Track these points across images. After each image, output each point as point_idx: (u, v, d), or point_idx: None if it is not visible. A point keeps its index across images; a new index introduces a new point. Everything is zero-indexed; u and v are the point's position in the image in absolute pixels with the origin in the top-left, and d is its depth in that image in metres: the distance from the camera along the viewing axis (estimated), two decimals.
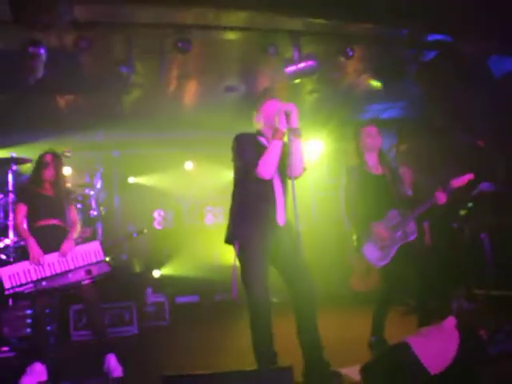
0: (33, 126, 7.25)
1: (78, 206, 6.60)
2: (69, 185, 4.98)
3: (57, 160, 4.76)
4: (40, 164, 4.71)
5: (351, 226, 4.72)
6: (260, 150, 3.71)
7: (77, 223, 4.78)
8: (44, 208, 4.59)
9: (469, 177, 4.53)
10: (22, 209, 4.61)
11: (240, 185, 3.88)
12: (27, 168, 7.01)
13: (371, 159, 4.68)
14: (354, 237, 4.64)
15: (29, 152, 6.96)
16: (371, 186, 4.57)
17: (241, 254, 3.71)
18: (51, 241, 4.46)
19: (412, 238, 4.47)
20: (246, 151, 3.77)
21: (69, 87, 6.41)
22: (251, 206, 3.77)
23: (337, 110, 8.35)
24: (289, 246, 3.72)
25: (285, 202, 3.83)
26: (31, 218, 4.62)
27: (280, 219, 3.77)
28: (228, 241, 3.82)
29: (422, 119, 8.11)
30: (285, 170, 3.73)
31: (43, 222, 4.58)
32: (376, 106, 8.45)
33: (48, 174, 4.67)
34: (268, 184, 3.75)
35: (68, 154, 4.68)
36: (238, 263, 3.73)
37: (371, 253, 4.52)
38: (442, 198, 4.40)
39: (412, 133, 8.47)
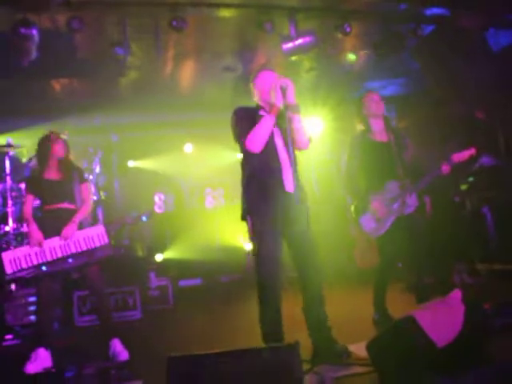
0: (29, 111, 7.18)
1: None
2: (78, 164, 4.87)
3: (63, 140, 4.67)
4: (47, 142, 4.60)
5: (350, 195, 4.71)
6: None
7: (88, 201, 4.66)
8: (51, 193, 4.52)
9: (471, 152, 4.51)
10: (30, 199, 4.58)
11: (245, 159, 3.85)
12: (24, 153, 6.99)
13: (377, 125, 4.65)
14: (352, 207, 4.64)
15: (26, 137, 6.93)
16: (374, 154, 4.55)
17: (253, 229, 3.70)
18: (58, 224, 4.41)
19: (409, 210, 4.46)
20: (240, 124, 3.74)
21: (63, 70, 6.31)
22: (258, 178, 3.74)
23: (335, 87, 8.27)
24: (298, 214, 3.65)
25: (293, 170, 3.70)
26: (41, 203, 4.59)
27: (288, 186, 3.70)
28: (242, 218, 3.81)
29: (421, 95, 8.04)
30: (289, 140, 3.64)
31: (51, 207, 4.52)
32: (375, 83, 8.36)
33: (57, 150, 4.58)
34: (273, 155, 3.69)
35: (65, 137, 4.60)
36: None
37: (368, 224, 4.53)
38: (446, 169, 4.39)
39: (411, 109, 8.41)
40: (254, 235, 3.72)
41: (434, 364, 2.93)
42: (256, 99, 3.92)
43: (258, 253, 3.70)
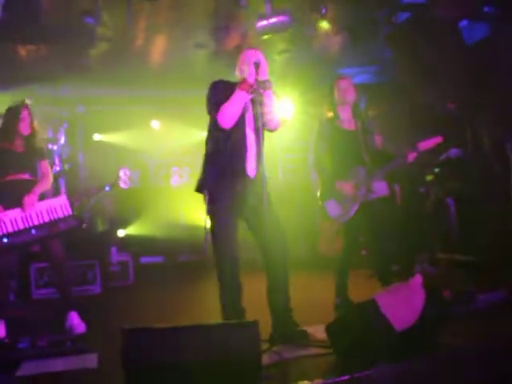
0: None
1: None
2: (42, 139, 4.72)
3: (31, 114, 4.51)
4: (14, 118, 4.43)
5: (318, 180, 4.72)
6: None
7: (48, 176, 4.55)
8: (12, 163, 4.38)
9: (437, 140, 4.56)
10: None
11: (211, 133, 3.80)
12: None
13: (344, 113, 4.65)
14: (318, 192, 4.66)
15: None
16: (341, 141, 4.55)
17: (209, 205, 3.67)
18: (19, 196, 4.25)
19: (372, 196, 4.50)
20: (215, 97, 3.67)
21: (31, 36, 6.07)
22: (220, 155, 3.69)
23: (307, 72, 8.23)
24: (258, 199, 3.60)
25: (258, 154, 3.72)
26: (1, 173, 4.41)
27: (250, 171, 3.68)
28: (197, 189, 3.76)
29: (392, 84, 8.07)
30: (258, 121, 3.61)
31: (11, 177, 4.36)
32: (347, 70, 8.35)
33: (23, 128, 4.43)
34: (239, 134, 3.65)
35: (28, 101, 4.45)
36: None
37: (333, 209, 4.56)
38: (412, 157, 4.43)
39: (382, 98, 8.45)
40: (210, 211, 3.68)
41: (391, 348, 2.96)
42: (236, 75, 3.85)
43: (213, 230, 3.68)
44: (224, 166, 3.66)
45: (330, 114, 4.72)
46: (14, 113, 4.47)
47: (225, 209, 3.62)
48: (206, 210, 3.69)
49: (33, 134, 4.53)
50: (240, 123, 3.66)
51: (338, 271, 4.74)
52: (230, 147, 3.66)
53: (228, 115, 3.57)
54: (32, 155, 4.51)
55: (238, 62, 3.83)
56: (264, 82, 3.56)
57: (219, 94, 3.66)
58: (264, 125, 3.69)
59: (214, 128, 3.71)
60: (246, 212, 3.71)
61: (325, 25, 6.11)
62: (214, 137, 3.77)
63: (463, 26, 6.33)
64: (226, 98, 3.59)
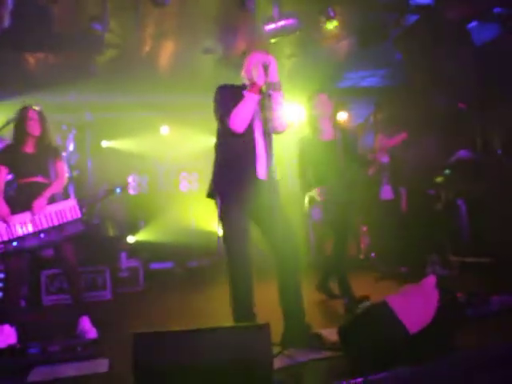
0: (1, 84, 6.99)
1: None
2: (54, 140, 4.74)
3: (40, 114, 4.53)
4: (22, 118, 4.47)
5: (302, 190, 4.98)
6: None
7: (62, 177, 4.56)
8: (25, 166, 4.41)
9: (402, 136, 5.00)
10: (1, 170, 4.43)
11: (221, 138, 3.77)
12: None
13: (325, 124, 4.89)
14: (306, 200, 4.92)
15: None
16: (319, 152, 4.80)
17: (221, 209, 3.64)
18: (31, 199, 4.28)
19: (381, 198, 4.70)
20: (224, 102, 3.64)
21: (39, 43, 6.12)
22: (231, 159, 3.67)
23: (316, 76, 8.20)
24: (270, 201, 3.59)
25: (268, 156, 3.69)
26: (15, 176, 4.46)
27: (261, 173, 3.65)
28: (209, 195, 3.75)
29: (401, 87, 8.06)
30: (267, 125, 3.61)
31: (23, 180, 4.40)
32: (355, 73, 8.35)
33: (31, 128, 4.44)
34: (248, 137, 3.62)
35: (37, 109, 4.48)
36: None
37: (316, 214, 4.82)
38: (382, 157, 5.11)
39: (391, 101, 8.42)
40: (222, 214, 3.65)
41: (405, 350, 2.92)
42: (243, 79, 3.83)
43: (224, 232, 3.65)
44: (235, 170, 3.63)
45: (309, 129, 4.96)
46: (21, 113, 4.50)
47: (236, 211, 3.60)
48: (218, 213, 3.67)
49: (44, 134, 4.54)
50: (249, 127, 3.63)
51: (334, 269, 4.98)
52: (240, 151, 3.64)
53: (240, 119, 3.55)
54: (44, 156, 4.51)
55: (244, 65, 3.82)
56: (274, 83, 3.55)
57: (227, 98, 3.63)
58: (272, 127, 3.66)
59: (224, 133, 3.68)
60: (258, 214, 3.68)
61: (333, 28, 6.10)
62: (223, 142, 3.75)
63: (472, 27, 6.32)
64: (234, 102, 3.57)
